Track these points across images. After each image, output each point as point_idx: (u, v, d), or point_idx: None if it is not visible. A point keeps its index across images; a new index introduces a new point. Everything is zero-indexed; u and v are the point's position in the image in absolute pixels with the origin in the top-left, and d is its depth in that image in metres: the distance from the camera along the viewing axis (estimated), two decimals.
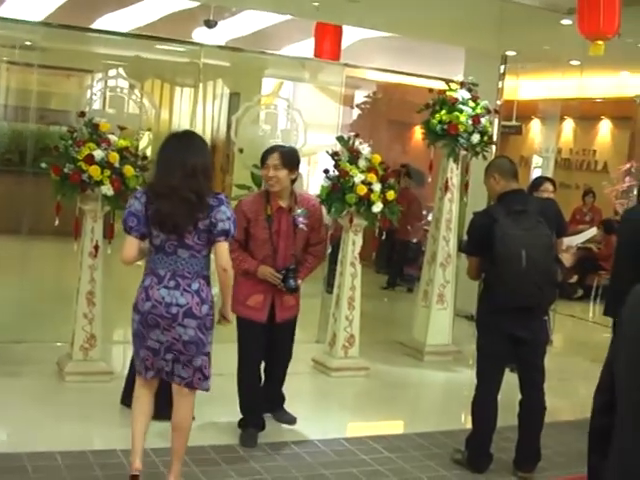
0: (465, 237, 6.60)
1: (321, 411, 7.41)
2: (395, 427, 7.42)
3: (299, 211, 6.27)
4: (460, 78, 9.53)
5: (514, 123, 15.96)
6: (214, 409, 6.75)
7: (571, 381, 9.06)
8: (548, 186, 8.47)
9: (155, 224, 4.97)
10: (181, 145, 5.08)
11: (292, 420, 6.76)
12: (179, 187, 4.89)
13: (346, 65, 11.39)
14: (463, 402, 6.27)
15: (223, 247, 5.03)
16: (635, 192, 11.11)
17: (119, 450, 5.77)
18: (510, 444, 6.30)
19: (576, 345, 11.57)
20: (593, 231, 11.61)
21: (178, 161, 4.96)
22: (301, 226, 6.27)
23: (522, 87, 16.16)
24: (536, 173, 16.31)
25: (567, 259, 9.03)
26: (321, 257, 6.80)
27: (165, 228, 4.96)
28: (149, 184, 5.22)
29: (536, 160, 17.31)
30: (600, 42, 7.73)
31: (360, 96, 17.20)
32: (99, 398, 6.88)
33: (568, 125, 16.96)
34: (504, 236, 5.79)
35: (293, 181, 6.32)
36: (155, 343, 5.03)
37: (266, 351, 6.49)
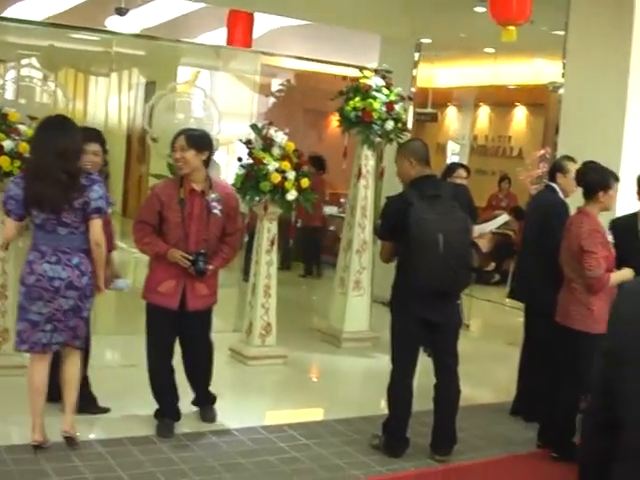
0: (379, 221, 6.59)
1: (239, 400, 7.35)
2: (313, 414, 7.40)
3: (213, 196, 6.21)
4: (375, 65, 9.55)
5: (429, 110, 16.06)
6: (131, 401, 6.70)
7: (488, 364, 9.16)
8: (462, 172, 8.56)
9: (33, 205, 5.43)
10: (52, 129, 5.51)
11: (213, 418, 6.68)
12: (51, 169, 5.34)
13: (261, 53, 11.35)
14: (381, 388, 6.28)
15: (96, 224, 5.53)
16: None
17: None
18: (427, 428, 6.32)
19: (493, 329, 11.71)
20: (505, 217, 11.72)
21: (50, 144, 5.39)
22: (215, 211, 6.20)
23: (437, 74, 16.27)
24: (453, 160, 16.45)
25: (483, 245, 9.12)
26: (237, 247, 6.75)
27: (43, 208, 5.42)
28: (25, 167, 5.85)
29: (452, 147, 17.45)
30: (512, 28, 7.78)
31: (276, 84, 17.16)
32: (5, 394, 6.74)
33: (483, 112, 17.11)
34: (420, 220, 5.80)
35: (206, 164, 6.26)
36: (36, 315, 5.50)
37: (182, 346, 6.45)
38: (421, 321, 6.01)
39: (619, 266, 6.23)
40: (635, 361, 2.25)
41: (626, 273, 6.15)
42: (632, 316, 2.30)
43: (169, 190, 6.24)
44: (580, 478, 2.56)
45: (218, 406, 6.73)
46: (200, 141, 6.22)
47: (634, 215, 6.72)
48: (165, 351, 6.34)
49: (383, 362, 6.41)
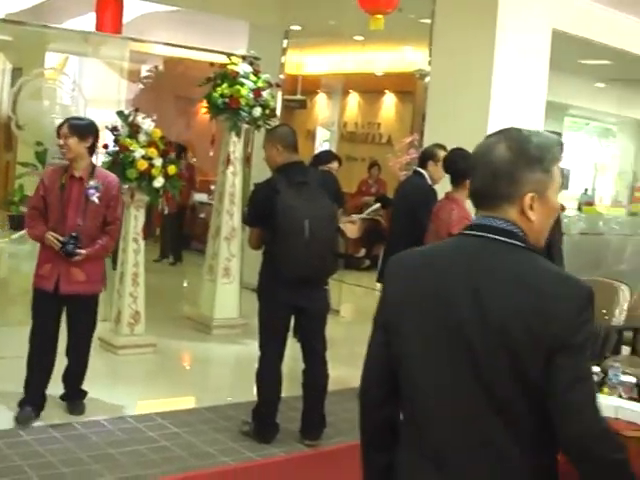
0: (246, 208, 6.59)
1: (108, 390, 7.24)
2: (184, 402, 7.37)
3: (92, 183, 6.24)
4: (243, 52, 9.53)
5: (299, 97, 16.08)
6: None
7: (358, 348, 9.18)
8: (335, 164, 8.63)
9: None
10: None
11: (81, 412, 6.58)
12: None
13: (130, 39, 11.19)
14: (251, 374, 6.29)
15: None
16: None
17: None
18: (297, 413, 6.38)
19: (364, 314, 11.79)
20: (376, 205, 11.90)
21: None
22: (93, 198, 6.22)
23: (307, 61, 16.33)
24: (324, 147, 16.54)
25: (352, 231, 9.19)
26: (115, 237, 6.72)
27: None
28: None
29: (322, 133, 17.55)
30: (380, 16, 7.84)
31: (145, 71, 16.96)
32: None
33: (353, 99, 17.26)
34: (286, 207, 5.83)
35: (90, 151, 6.31)
36: None
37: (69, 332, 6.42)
38: (288, 307, 6.06)
39: None
40: (405, 329, 2.42)
41: None
42: (403, 286, 2.47)
43: (54, 175, 6.33)
44: (362, 449, 2.67)
45: (87, 396, 6.64)
46: (83, 129, 6.27)
47: None
48: (42, 335, 6.27)
49: (253, 348, 6.41)
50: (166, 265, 13.82)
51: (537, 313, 2.24)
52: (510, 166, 2.35)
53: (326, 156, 8.98)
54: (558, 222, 6.82)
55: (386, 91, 16.50)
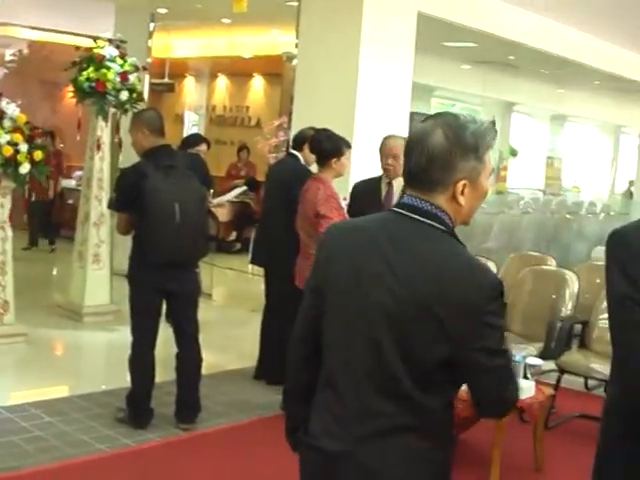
0: (114, 194, 6.53)
1: None
2: (57, 391, 7.25)
3: None
4: (110, 35, 9.41)
5: (166, 81, 15.96)
6: None
7: (231, 331, 9.28)
8: (204, 147, 8.60)
9: None
10: None
11: None
12: None
13: None
14: (125, 361, 6.25)
15: None
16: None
17: None
18: (171, 398, 6.36)
19: (236, 297, 11.86)
20: (242, 188, 11.92)
21: None
22: None
23: (174, 45, 16.20)
24: (193, 130, 16.46)
25: (222, 214, 9.17)
26: None
27: None
28: None
29: (191, 117, 17.45)
30: None
31: (9, 55, 16.57)
32: None
33: (221, 82, 17.20)
34: (154, 191, 5.80)
35: None
36: None
37: None
38: (158, 291, 6.04)
39: None
40: (330, 294, 2.53)
41: None
42: (331, 253, 2.57)
43: None
44: (286, 402, 2.90)
45: None
46: None
47: (377, 179, 6.88)
48: None
49: (126, 335, 6.37)
50: (36, 253, 13.57)
51: (446, 298, 2.34)
52: (445, 154, 2.39)
53: (194, 139, 8.95)
54: None
55: (254, 74, 16.50)
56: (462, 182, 2.41)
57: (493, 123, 2.41)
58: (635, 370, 2.51)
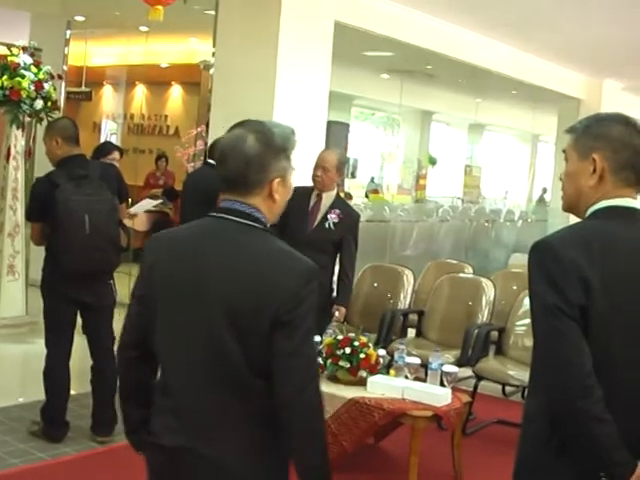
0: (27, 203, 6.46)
1: None
2: None
3: None
4: (25, 43, 9.28)
5: (83, 89, 15.78)
6: None
7: None
8: (116, 154, 8.51)
9: None
10: None
11: None
12: None
13: None
14: (40, 373, 6.15)
15: None
16: None
17: None
18: (87, 410, 6.28)
19: None
20: (158, 201, 11.83)
21: None
22: None
23: (92, 52, 16.04)
24: (111, 139, 16.29)
25: (140, 224, 9.07)
26: None
27: None
28: None
29: (109, 125, 17.27)
30: (159, 7, 7.79)
31: None
32: None
33: (139, 91, 17.05)
34: (66, 201, 5.75)
35: None
36: None
37: None
38: (72, 302, 5.98)
39: None
40: (160, 300, 2.66)
41: None
42: (156, 262, 2.71)
43: None
44: (121, 404, 2.96)
45: None
46: None
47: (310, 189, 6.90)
48: None
49: (41, 347, 6.26)
50: None
51: (262, 288, 2.52)
52: (260, 156, 2.62)
53: (106, 147, 8.86)
54: (353, 224, 6.96)
55: (173, 83, 16.40)
56: (277, 180, 2.65)
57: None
58: (558, 383, 2.54)
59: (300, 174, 6.68)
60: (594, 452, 2.53)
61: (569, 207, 2.84)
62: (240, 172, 2.63)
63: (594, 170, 2.69)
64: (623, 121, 2.73)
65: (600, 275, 2.53)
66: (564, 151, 2.82)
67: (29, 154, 9.24)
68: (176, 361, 2.66)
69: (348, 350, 5.67)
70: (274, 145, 2.64)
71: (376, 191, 21.02)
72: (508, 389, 7.92)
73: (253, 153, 2.61)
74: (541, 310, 2.59)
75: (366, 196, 19.92)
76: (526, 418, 2.76)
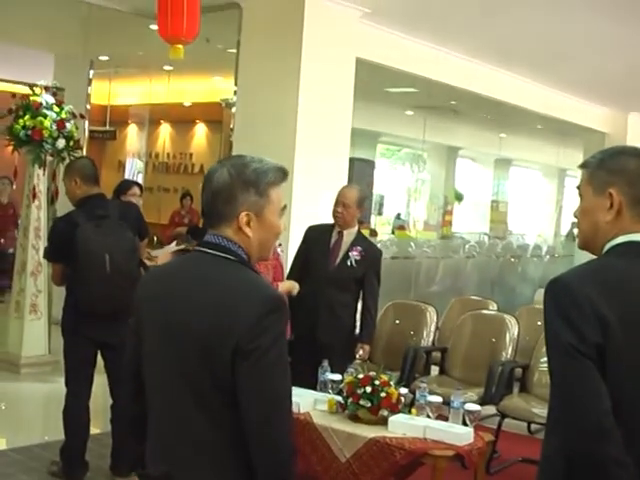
0: (47, 244, 6.47)
1: None
2: None
3: None
4: (49, 83, 9.35)
5: (108, 128, 15.88)
6: None
7: None
8: (136, 190, 8.49)
9: None
10: None
11: None
12: None
13: None
14: (61, 412, 6.14)
15: None
16: None
17: None
18: (107, 450, 6.24)
19: None
20: (181, 246, 11.82)
21: None
22: None
23: (115, 92, 16.14)
24: (139, 178, 16.35)
25: (163, 261, 9.03)
26: None
27: None
28: None
29: (134, 164, 17.35)
30: (180, 46, 7.81)
31: None
32: None
33: (164, 129, 17.15)
34: (87, 241, 5.77)
35: None
36: None
37: None
38: (92, 342, 5.96)
39: None
40: (144, 332, 2.70)
41: (288, 284, 6.50)
42: (145, 296, 2.76)
43: None
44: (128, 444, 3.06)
45: None
46: None
47: (330, 226, 6.91)
48: None
49: (63, 386, 6.25)
50: None
51: (224, 319, 2.50)
52: (227, 188, 2.62)
53: (125, 184, 8.82)
54: (375, 261, 6.94)
55: (197, 121, 16.47)
56: (244, 213, 2.62)
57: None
58: (574, 424, 2.47)
59: (324, 212, 6.73)
60: None
61: (585, 244, 2.77)
62: (209, 204, 2.66)
63: (611, 205, 2.62)
64: (638, 154, 2.67)
65: (617, 313, 2.46)
66: (578, 187, 2.75)
67: (56, 194, 9.26)
68: (155, 391, 2.69)
69: (369, 389, 5.60)
70: (244, 177, 2.62)
71: (402, 227, 20.98)
72: (534, 427, 7.81)
73: (221, 184, 2.62)
74: (556, 348, 2.53)
75: (392, 232, 19.88)
76: (543, 458, 2.69)
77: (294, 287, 6.57)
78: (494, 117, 16.31)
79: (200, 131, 16.56)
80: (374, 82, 10.65)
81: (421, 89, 13.36)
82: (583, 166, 2.74)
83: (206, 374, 2.52)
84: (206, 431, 2.56)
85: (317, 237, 6.92)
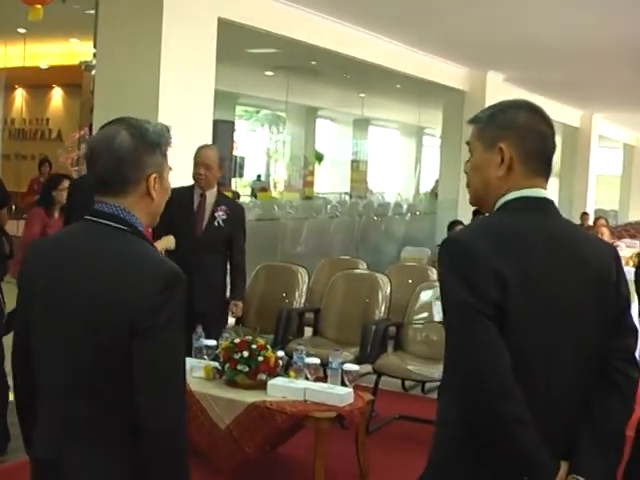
0: None
1: None
2: None
3: None
4: None
5: None
6: None
7: None
8: None
9: None
10: None
11: None
12: None
13: None
14: None
15: None
16: None
17: None
18: None
19: None
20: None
21: None
22: None
23: None
24: None
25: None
26: None
27: None
28: None
29: None
30: (38, 6, 7.56)
31: None
32: None
33: (20, 94, 16.66)
34: None
35: None
36: None
37: None
38: None
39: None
40: (34, 308, 2.55)
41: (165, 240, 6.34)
42: (31, 269, 2.60)
43: None
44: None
45: None
46: None
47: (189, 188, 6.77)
48: None
49: None
50: None
51: (116, 294, 2.39)
52: (134, 151, 2.49)
53: None
54: (241, 218, 6.86)
55: (53, 85, 16.05)
56: (153, 176, 2.53)
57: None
58: (474, 384, 2.44)
59: (186, 174, 6.59)
60: (515, 456, 2.43)
61: (476, 201, 2.73)
62: (113, 170, 2.50)
63: (502, 160, 2.58)
64: (528, 108, 2.64)
65: (514, 270, 2.43)
66: (468, 143, 2.70)
67: None
68: (43, 368, 2.54)
69: (246, 353, 5.55)
70: (148, 140, 2.53)
71: (264, 189, 20.96)
72: (408, 383, 7.90)
73: (126, 149, 2.48)
74: (454, 308, 2.48)
75: (253, 194, 19.82)
76: (439, 421, 2.65)
77: (171, 241, 6.40)
78: (354, 77, 16.32)
79: (57, 96, 16.16)
80: (233, 43, 10.51)
81: (282, 49, 13.28)
82: (472, 121, 2.69)
83: (97, 352, 2.40)
84: (95, 413, 2.43)
85: (179, 200, 6.77)
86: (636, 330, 2.70)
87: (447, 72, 14.88)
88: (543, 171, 2.63)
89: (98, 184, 2.54)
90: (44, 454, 2.52)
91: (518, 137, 2.59)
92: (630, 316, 2.69)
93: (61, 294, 2.47)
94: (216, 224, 6.65)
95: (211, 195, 6.71)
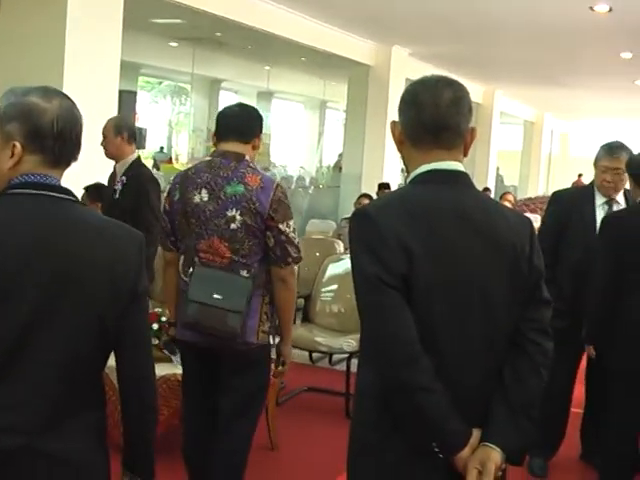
0: None
1: None
2: None
3: None
4: None
5: None
6: None
7: None
8: None
9: None
10: None
11: None
12: None
13: None
14: None
15: None
16: None
17: None
18: None
19: None
20: None
21: None
22: None
23: None
24: None
25: None
26: None
27: None
28: None
29: None
30: None
31: None
32: None
33: None
34: None
35: None
36: None
37: None
38: None
39: None
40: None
41: None
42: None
43: None
44: None
45: None
46: None
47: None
48: None
49: None
50: None
51: (113, 265, 2.33)
52: (80, 122, 2.45)
53: None
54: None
55: None
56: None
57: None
58: (382, 354, 2.48)
59: (93, 144, 6.49)
60: (423, 423, 2.48)
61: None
62: (71, 139, 2.42)
63: (394, 135, 2.65)
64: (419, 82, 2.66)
65: (422, 243, 2.46)
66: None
67: None
68: (7, 347, 2.27)
69: (155, 326, 5.51)
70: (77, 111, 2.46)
71: (169, 161, 20.78)
72: (315, 355, 7.93)
73: (78, 119, 2.45)
74: (362, 281, 2.51)
75: (155, 166, 19.61)
76: (358, 393, 2.69)
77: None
78: (259, 49, 16.22)
79: None
80: (138, 12, 10.33)
81: (187, 20, 13.14)
82: None
83: (78, 317, 2.29)
84: (76, 390, 2.33)
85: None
86: (549, 302, 2.75)
87: (352, 46, 14.86)
88: (434, 142, 2.60)
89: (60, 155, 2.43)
90: (13, 442, 2.26)
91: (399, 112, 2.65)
92: (543, 287, 2.74)
93: (45, 270, 2.29)
94: (116, 196, 6.51)
95: (121, 166, 6.57)
